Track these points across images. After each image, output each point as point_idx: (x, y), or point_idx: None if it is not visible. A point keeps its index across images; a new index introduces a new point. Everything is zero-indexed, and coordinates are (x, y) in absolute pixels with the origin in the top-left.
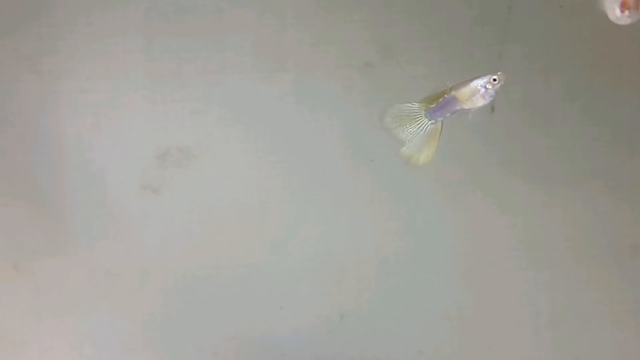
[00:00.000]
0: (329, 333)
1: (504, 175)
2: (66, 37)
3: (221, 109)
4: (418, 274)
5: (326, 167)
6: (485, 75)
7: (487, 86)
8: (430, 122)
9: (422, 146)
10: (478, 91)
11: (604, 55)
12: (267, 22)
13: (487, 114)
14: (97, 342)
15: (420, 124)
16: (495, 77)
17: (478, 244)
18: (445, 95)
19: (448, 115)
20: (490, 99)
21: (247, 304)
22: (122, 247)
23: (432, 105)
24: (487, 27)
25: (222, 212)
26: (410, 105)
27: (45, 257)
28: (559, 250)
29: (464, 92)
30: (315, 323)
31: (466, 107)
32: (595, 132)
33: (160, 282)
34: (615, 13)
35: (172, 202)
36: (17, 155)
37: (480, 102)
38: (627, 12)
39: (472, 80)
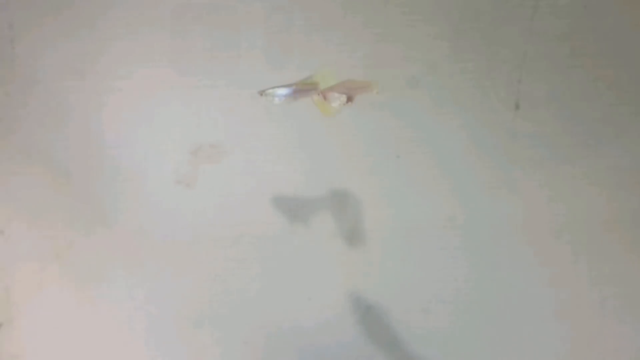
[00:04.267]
0: (355, 324)
1: (528, 171)
2: (107, 39)
3: (252, 107)
4: (444, 266)
5: (354, 163)
6: None
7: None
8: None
9: None
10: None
11: (627, 54)
12: (297, 24)
13: (511, 111)
14: (132, 330)
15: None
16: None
17: (501, 236)
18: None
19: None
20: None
21: (276, 295)
22: (156, 239)
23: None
24: (511, 27)
25: (252, 207)
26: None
27: (84, 249)
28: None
29: None
30: (341, 314)
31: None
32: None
33: (193, 273)
34: None
35: (204, 196)
36: (62, 150)
37: None
38: None
39: None
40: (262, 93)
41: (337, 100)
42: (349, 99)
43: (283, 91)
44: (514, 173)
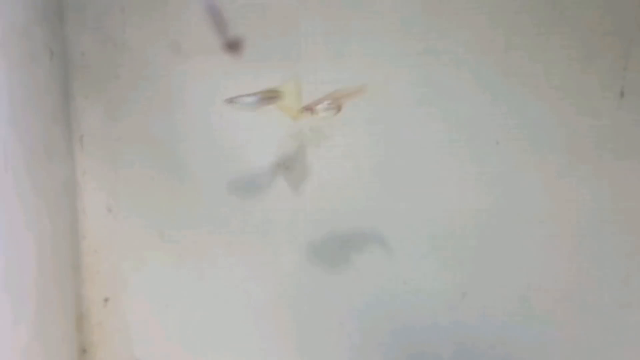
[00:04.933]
0: (450, 310)
1: (631, 161)
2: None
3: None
4: (540, 254)
5: (451, 149)
6: None
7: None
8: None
9: None
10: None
11: None
12: (399, 9)
13: (616, 99)
14: (231, 308)
15: None
16: None
17: (602, 225)
18: None
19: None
20: None
21: (373, 279)
22: (256, 220)
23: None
24: (618, 14)
25: (349, 190)
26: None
27: (186, 227)
28: None
29: None
30: (436, 300)
31: None
32: None
33: (292, 254)
34: None
35: (303, 179)
36: (164, 133)
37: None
38: None
39: None
40: (230, 101)
41: (326, 111)
42: (338, 108)
43: (249, 99)
44: (617, 162)
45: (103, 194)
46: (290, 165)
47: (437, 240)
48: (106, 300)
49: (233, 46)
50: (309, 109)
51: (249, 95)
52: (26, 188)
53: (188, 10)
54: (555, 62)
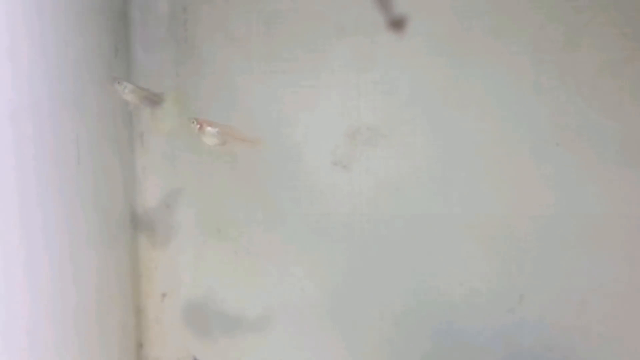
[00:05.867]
0: (507, 312)
1: None
2: (272, 21)
3: (410, 90)
4: (601, 258)
5: (511, 150)
6: None
7: None
8: None
9: None
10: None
11: None
12: (458, 9)
13: None
14: (286, 305)
15: None
16: None
17: None
18: None
19: None
20: None
21: (428, 278)
22: (312, 218)
23: None
24: None
25: (407, 190)
26: None
27: (243, 224)
28: None
29: None
30: (493, 301)
31: None
32: None
33: (347, 251)
34: None
35: (360, 178)
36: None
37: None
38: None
39: None
40: (115, 79)
41: (210, 138)
42: (223, 143)
43: (130, 89)
44: None
45: (161, 190)
46: (347, 165)
47: (495, 242)
48: (163, 295)
49: (397, 24)
50: (200, 123)
51: (132, 85)
52: (91, 182)
53: (248, 7)
54: (615, 62)
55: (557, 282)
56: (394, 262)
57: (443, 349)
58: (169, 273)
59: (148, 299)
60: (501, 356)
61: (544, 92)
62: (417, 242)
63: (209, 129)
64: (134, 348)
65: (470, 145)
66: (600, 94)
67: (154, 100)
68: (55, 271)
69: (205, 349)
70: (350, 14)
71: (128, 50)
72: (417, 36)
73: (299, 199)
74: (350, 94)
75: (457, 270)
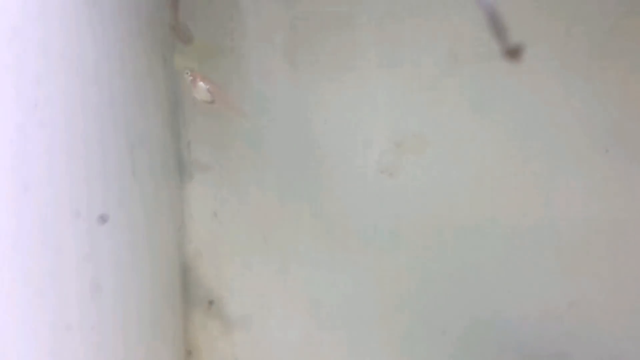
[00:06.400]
0: (557, 320)
1: None
2: (316, 28)
3: (457, 98)
4: None
5: (559, 157)
6: None
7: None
8: None
9: None
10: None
11: None
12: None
13: None
14: (335, 316)
15: None
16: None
17: None
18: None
19: None
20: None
21: (477, 286)
22: (360, 227)
23: None
24: None
25: (454, 197)
26: None
27: (290, 232)
28: None
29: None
30: (543, 309)
31: None
32: None
33: (394, 260)
34: None
35: (407, 186)
36: (272, 137)
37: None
38: None
39: None
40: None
41: (201, 93)
42: (212, 101)
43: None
44: None
45: (209, 199)
46: (393, 172)
47: (543, 248)
48: (211, 303)
49: (514, 53)
50: (194, 76)
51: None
52: (144, 192)
53: (293, 15)
54: None
55: (608, 289)
56: (441, 270)
57: (490, 357)
58: (217, 281)
59: (196, 306)
60: None
61: (588, 98)
62: (465, 250)
63: (200, 84)
64: (183, 355)
65: (517, 151)
66: None
67: (183, 34)
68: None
69: (252, 357)
70: (396, 22)
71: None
72: (459, 41)
73: (346, 207)
74: (396, 101)
75: (505, 277)
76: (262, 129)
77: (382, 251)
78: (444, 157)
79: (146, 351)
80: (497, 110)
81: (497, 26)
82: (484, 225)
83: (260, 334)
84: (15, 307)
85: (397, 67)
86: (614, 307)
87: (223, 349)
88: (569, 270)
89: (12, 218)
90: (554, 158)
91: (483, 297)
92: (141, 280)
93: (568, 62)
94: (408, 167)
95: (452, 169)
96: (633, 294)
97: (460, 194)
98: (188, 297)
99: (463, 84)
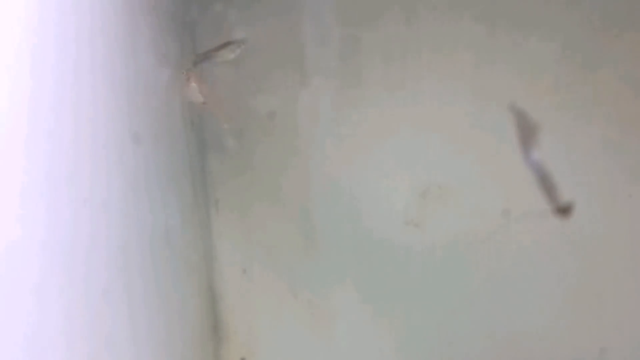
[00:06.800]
0: None
1: None
2: (339, 84)
3: (481, 149)
4: None
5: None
6: None
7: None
8: None
9: None
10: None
11: None
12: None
13: None
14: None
15: None
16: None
17: None
18: None
19: None
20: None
21: (507, 334)
22: (388, 279)
23: None
24: None
25: (480, 248)
26: None
27: (319, 287)
28: None
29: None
30: (573, 355)
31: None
32: None
33: (424, 314)
34: None
35: (433, 237)
36: (298, 190)
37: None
38: None
39: None
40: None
41: (192, 93)
42: (202, 102)
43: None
44: None
45: (238, 256)
46: (419, 223)
47: (573, 293)
48: (242, 359)
49: (564, 210)
50: (188, 76)
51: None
52: (171, 253)
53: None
54: None
55: (638, 336)
56: (467, 320)
57: None
58: (248, 337)
59: None
60: None
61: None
62: (491, 296)
63: (193, 84)
64: None
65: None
66: None
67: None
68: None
69: None
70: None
71: (201, 124)
72: (484, 92)
73: (374, 260)
74: (420, 152)
75: (534, 321)
76: (287, 185)
77: (411, 303)
78: (469, 208)
79: None
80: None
81: (545, 185)
82: (510, 273)
83: None
84: None
85: (417, 118)
86: None
87: None
88: (600, 314)
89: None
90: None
91: (513, 344)
92: (174, 340)
93: None
94: (434, 218)
95: (477, 219)
96: None
97: (486, 244)
98: (220, 354)
99: (486, 133)
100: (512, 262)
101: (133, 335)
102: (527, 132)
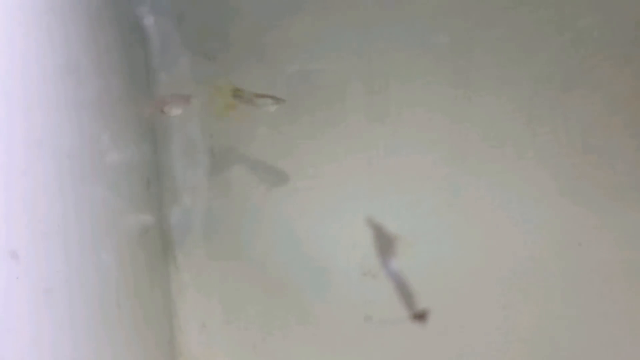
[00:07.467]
0: None
1: None
2: (295, 140)
3: (434, 197)
4: None
5: (539, 255)
6: None
7: None
8: None
9: None
10: None
11: None
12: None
13: None
14: None
15: None
16: None
17: None
18: None
19: None
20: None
21: None
22: (347, 328)
23: None
24: None
25: (437, 298)
26: None
27: (280, 339)
28: None
29: None
30: None
31: None
32: None
33: (388, 357)
34: None
35: (390, 287)
36: (256, 244)
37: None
38: None
39: None
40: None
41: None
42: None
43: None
44: None
45: (198, 311)
46: (376, 274)
47: (591, 323)
48: None
49: (419, 317)
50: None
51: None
52: (130, 314)
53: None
54: None
55: None
56: None
57: None
58: None
59: None
60: None
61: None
62: (453, 345)
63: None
64: None
65: (493, 251)
66: None
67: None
68: None
69: None
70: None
71: (159, 181)
72: (440, 145)
73: (336, 311)
74: (375, 204)
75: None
76: (245, 241)
77: (374, 350)
78: (423, 258)
79: None
80: (473, 211)
81: (403, 292)
82: (469, 322)
83: None
84: None
85: (373, 174)
86: None
87: None
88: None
89: None
90: (536, 260)
91: None
92: None
93: None
94: (391, 268)
95: (431, 269)
96: None
97: (443, 294)
98: None
99: (440, 185)
100: (471, 313)
101: None
102: (385, 244)
